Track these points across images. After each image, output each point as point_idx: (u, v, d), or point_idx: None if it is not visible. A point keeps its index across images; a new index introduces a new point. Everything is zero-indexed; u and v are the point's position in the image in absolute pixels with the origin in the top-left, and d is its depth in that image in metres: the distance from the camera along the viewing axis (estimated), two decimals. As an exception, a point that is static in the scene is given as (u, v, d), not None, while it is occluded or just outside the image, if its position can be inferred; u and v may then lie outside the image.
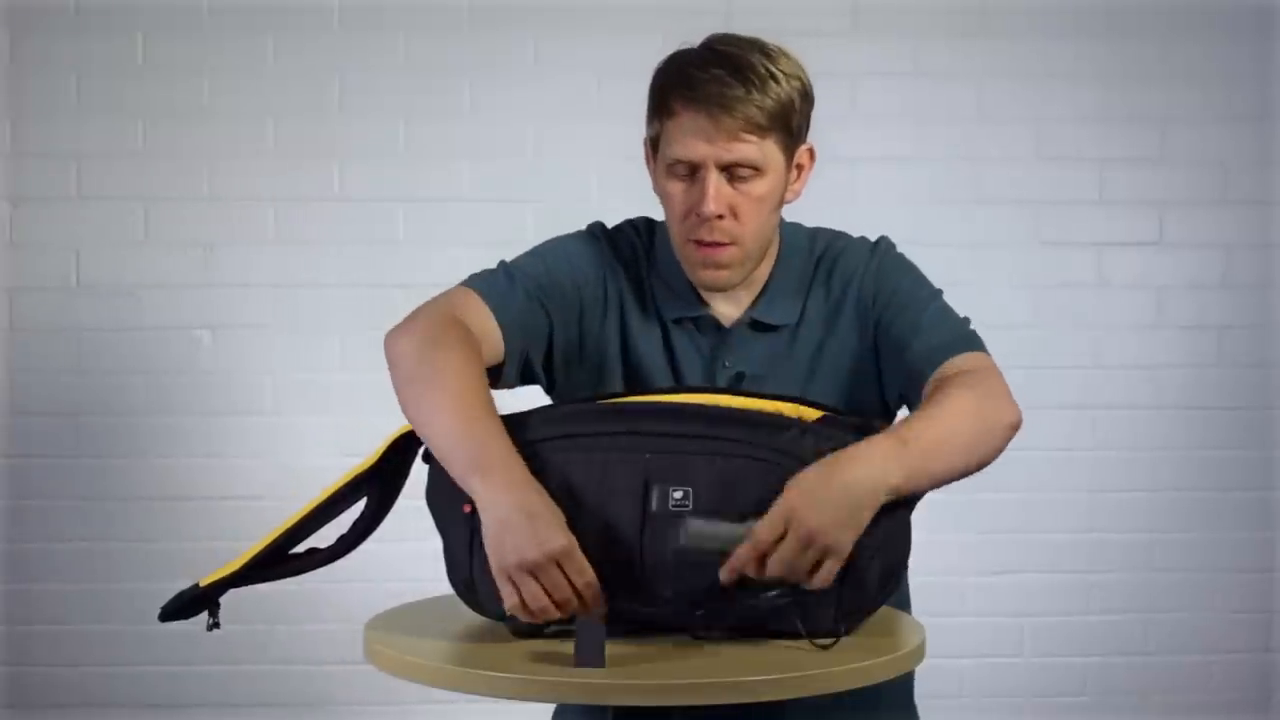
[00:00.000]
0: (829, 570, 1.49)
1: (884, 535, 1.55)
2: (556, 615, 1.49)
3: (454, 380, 1.63)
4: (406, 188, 3.35)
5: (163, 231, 3.34)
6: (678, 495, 1.53)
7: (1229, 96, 3.45)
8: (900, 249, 1.93)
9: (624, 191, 3.26)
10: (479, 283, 1.81)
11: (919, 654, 1.55)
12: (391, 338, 1.71)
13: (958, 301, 1.92)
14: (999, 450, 1.68)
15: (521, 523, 1.49)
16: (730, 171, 1.75)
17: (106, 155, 3.32)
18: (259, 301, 3.35)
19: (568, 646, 1.47)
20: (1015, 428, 1.69)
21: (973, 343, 1.78)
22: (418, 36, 3.35)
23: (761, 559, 1.48)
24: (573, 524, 1.51)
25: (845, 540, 1.49)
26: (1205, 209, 3.47)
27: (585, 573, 1.49)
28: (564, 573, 1.48)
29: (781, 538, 1.47)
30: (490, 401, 1.64)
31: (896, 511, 1.58)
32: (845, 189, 3.34)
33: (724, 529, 1.47)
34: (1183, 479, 3.48)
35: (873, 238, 1.91)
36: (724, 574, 1.49)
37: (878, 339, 1.83)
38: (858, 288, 1.85)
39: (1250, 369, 3.48)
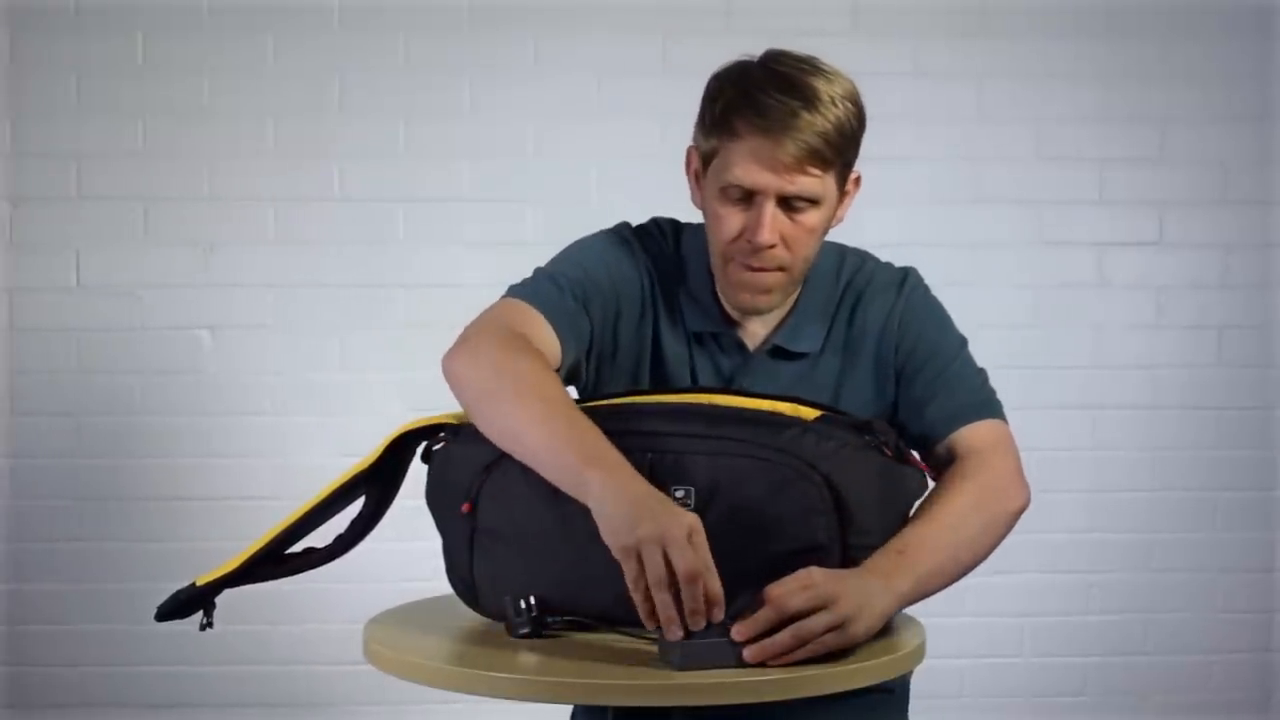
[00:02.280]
0: (828, 647, 1.45)
1: (883, 535, 1.55)
2: (669, 593, 1.42)
3: (539, 388, 1.59)
4: (406, 188, 3.35)
5: (163, 231, 3.34)
6: (679, 495, 1.53)
7: (1229, 96, 3.45)
8: (900, 249, 1.94)
9: (624, 191, 3.29)
10: (525, 292, 1.77)
11: (919, 654, 1.55)
12: (453, 360, 1.65)
13: (958, 301, 1.92)
14: (1001, 538, 1.73)
15: (655, 503, 1.45)
16: (788, 203, 1.73)
17: (106, 155, 3.32)
18: (259, 301, 3.35)
19: (568, 647, 1.48)
20: (1018, 513, 1.74)
21: (988, 409, 1.79)
22: (418, 36, 3.35)
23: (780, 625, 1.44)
24: (573, 523, 1.51)
25: (864, 636, 1.48)
26: (1205, 209, 3.47)
27: (708, 556, 1.43)
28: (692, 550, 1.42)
29: (807, 613, 1.44)
30: (575, 404, 1.61)
31: (896, 512, 1.58)
32: (845, 189, 3.34)
33: (719, 647, 1.43)
34: (1183, 479, 3.48)
35: (901, 256, 1.90)
36: (738, 635, 1.43)
37: (898, 389, 1.83)
38: (879, 330, 1.84)
39: (1250, 369, 3.48)
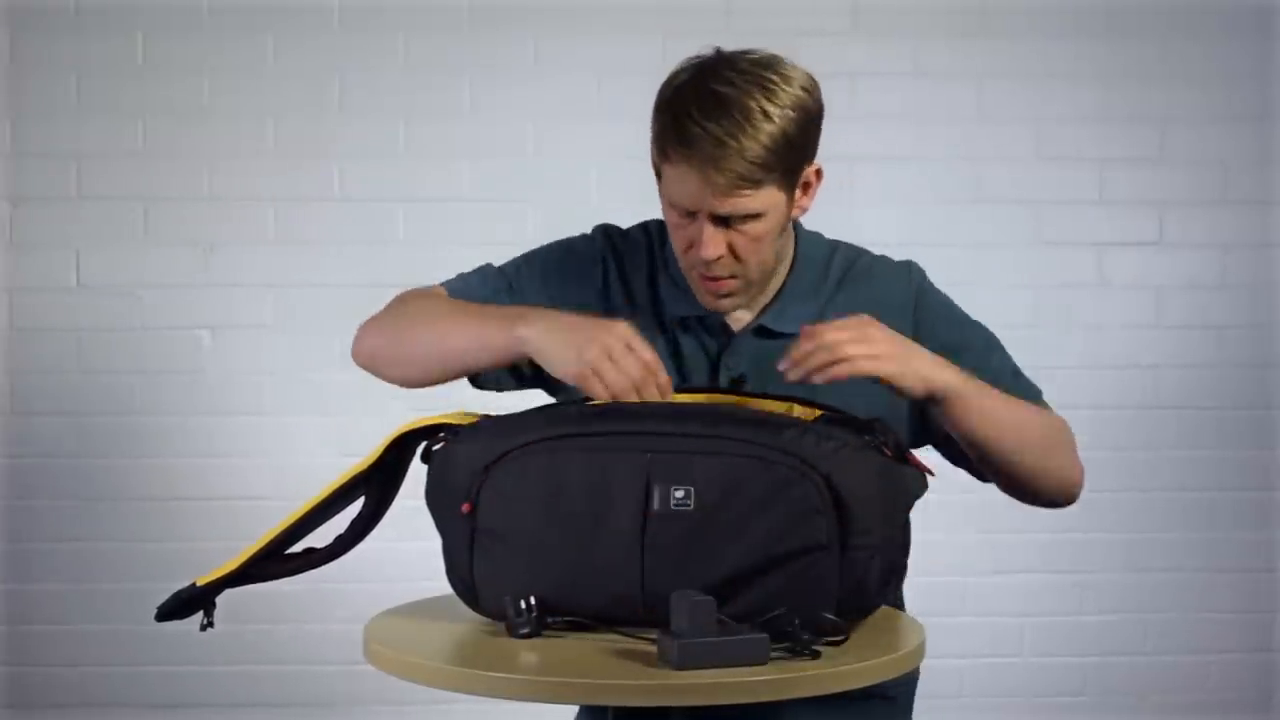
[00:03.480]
0: (850, 369, 1.62)
1: (883, 535, 1.55)
2: (634, 398, 1.58)
3: (433, 304, 1.77)
4: (406, 188, 3.35)
5: (163, 231, 3.34)
6: (679, 495, 1.53)
7: (1229, 96, 3.45)
8: (900, 249, 1.93)
9: (624, 191, 3.26)
10: (451, 280, 1.90)
11: (919, 654, 1.55)
12: (357, 334, 1.86)
13: (957, 301, 1.92)
14: (1047, 481, 1.81)
15: (583, 322, 1.62)
16: (726, 220, 1.75)
17: (106, 155, 3.32)
18: (259, 301, 3.35)
19: (568, 647, 1.48)
20: (1071, 487, 1.84)
21: (1043, 398, 1.86)
22: (418, 36, 3.35)
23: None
24: (573, 523, 1.52)
25: (890, 365, 1.63)
26: (1205, 209, 3.47)
27: (648, 350, 1.60)
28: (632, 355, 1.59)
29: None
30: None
31: (896, 511, 1.58)
32: (845, 189, 3.33)
33: (719, 647, 1.43)
34: (1182, 479, 3.48)
35: (900, 254, 1.92)
36: (784, 366, 1.62)
37: None
38: (894, 309, 1.83)
39: (1249, 369, 3.48)
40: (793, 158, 1.74)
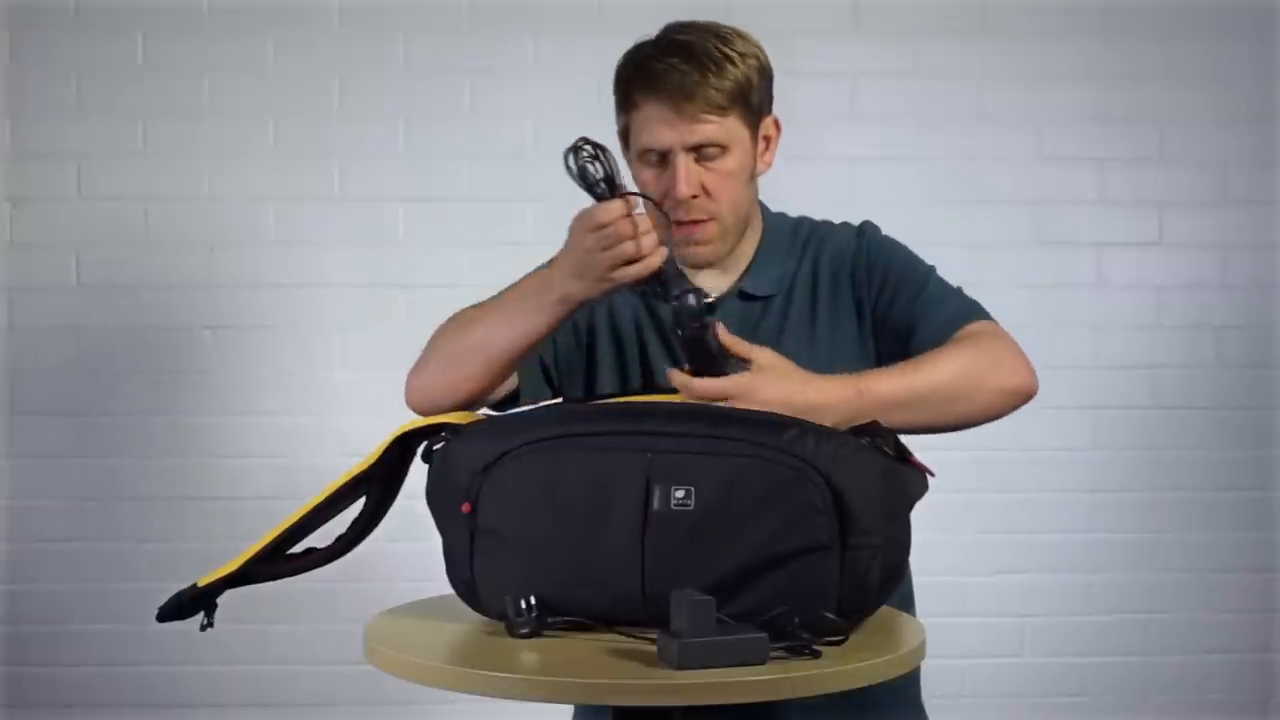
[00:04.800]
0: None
1: (884, 535, 1.55)
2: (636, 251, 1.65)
3: (458, 321, 1.82)
4: (406, 188, 3.35)
5: (163, 231, 3.34)
6: (680, 495, 1.53)
7: (1229, 96, 3.45)
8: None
9: (624, 191, 3.29)
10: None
11: (919, 654, 1.55)
12: (406, 386, 1.85)
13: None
14: (986, 411, 1.75)
15: (567, 249, 1.69)
16: (698, 152, 1.83)
17: (106, 155, 3.32)
18: (259, 301, 3.35)
19: (568, 647, 1.48)
20: (1016, 393, 1.77)
21: (979, 313, 1.86)
22: (418, 36, 3.35)
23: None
24: (574, 523, 1.52)
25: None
26: (1205, 209, 3.47)
27: (606, 214, 1.65)
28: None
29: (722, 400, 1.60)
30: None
31: (897, 511, 1.58)
32: (845, 189, 3.34)
33: (719, 647, 1.43)
34: (1183, 479, 3.48)
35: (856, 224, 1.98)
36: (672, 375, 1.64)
37: (876, 323, 1.91)
38: (850, 271, 1.92)
39: (1249, 369, 3.48)
40: (754, 99, 1.85)
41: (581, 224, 1.66)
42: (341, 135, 3.35)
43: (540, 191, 3.31)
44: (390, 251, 3.35)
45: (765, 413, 1.59)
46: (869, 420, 1.62)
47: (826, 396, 1.63)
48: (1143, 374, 3.46)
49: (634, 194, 1.68)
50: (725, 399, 1.60)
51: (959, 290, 1.91)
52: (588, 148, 1.66)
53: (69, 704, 3.34)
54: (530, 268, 1.88)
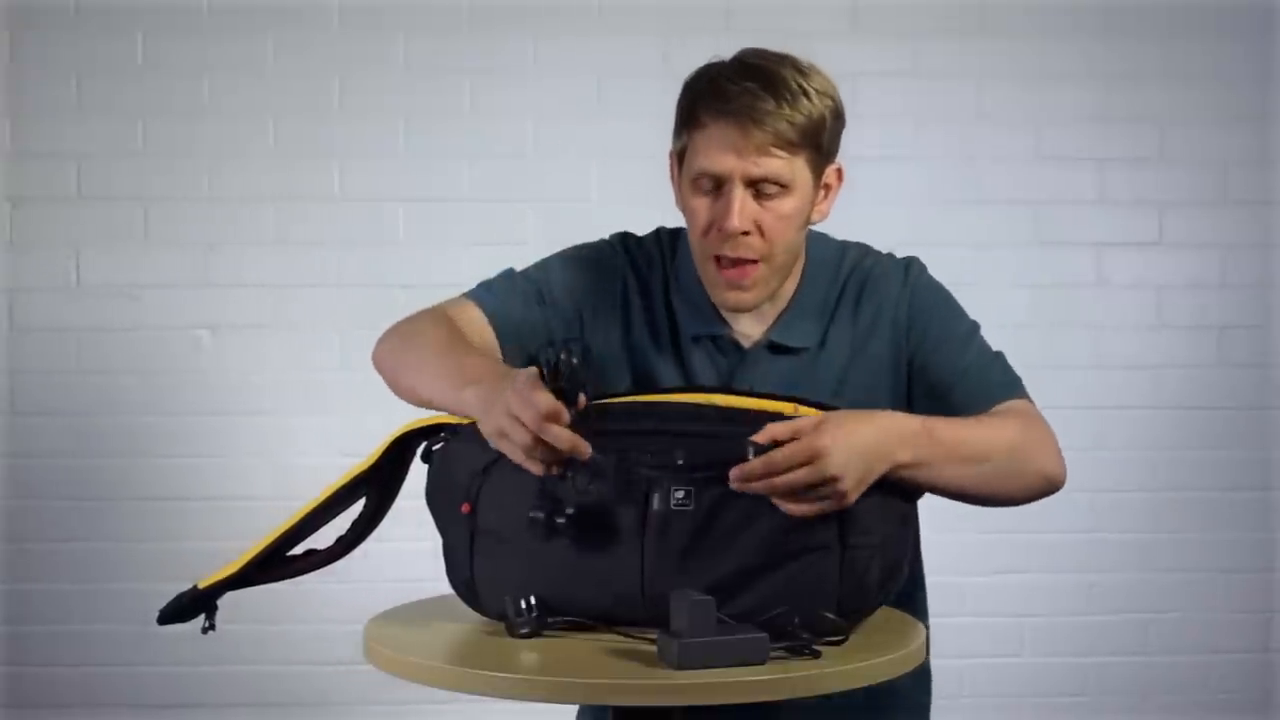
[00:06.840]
0: (821, 509, 1.50)
1: (882, 534, 1.55)
2: (540, 456, 1.47)
3: (425, 346, 1.69)
4: (406, 188, 3.35)
5: (163, 231, 3.34)
6: (680, 495, 1.53)
7: (1229, 96, 3.45)
8: (900, 249, 1.93)
9: (624, 191, 3.28)
10: (475, 289, 1.86)
11: (918, 654, 1.55)
12: (379, 340, 1.78)
13: (959, 301, 1.92)
14: (1025, 493, 1.70)
15: (498, 392, 1.51)
16: (757, 188, 1.74)
17: (106, 155, 3.32)
18: (258, 301, 3.35)
19: (568, 647, 1.48)
20: (1051, 481, 1.72)
21: (1019, 389, 1.80)
22: (418, 36, 3.35)
23: (769, 475, 1.48)
24: (574, 524, 1.51)
25: (854, 495, 1.51)
26: (1205, 209, 3.47)
27: (542, 401, 1.45)
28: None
29: (797, 466, 1.48)
30: (463, 340, 1.71)
31: (896, 511, 1.58)
32: (845, 189, 3.33)
33: (715, 644, 1.42)
34: (1183, 479, 3.48)
35: (900, 254, 1.90)
36: (734, 478, 1.49)
37: (913, 377, 1.83)
38: (891, 318, 1.84)
39: (1250, 369, 3.48)
40: (819, 137, 1.75)
41: (519, 392, 1.47)
42: (341, 135, 3.35)
43: (540, 191, 3.34)
44: (390, 251, 3.35)
45: (766, 413, 1.58)
46: (929, 474, 1.57)
47: (903, 428, 1.57)
48: (1143, 374, 3.46)
49: (583, 411, 1.50)
50: (804, 462, 1.49)
51: (1000, 356, 1.84)
52: (577, 349, 1.51)
53: (69, 704, 3.34)
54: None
